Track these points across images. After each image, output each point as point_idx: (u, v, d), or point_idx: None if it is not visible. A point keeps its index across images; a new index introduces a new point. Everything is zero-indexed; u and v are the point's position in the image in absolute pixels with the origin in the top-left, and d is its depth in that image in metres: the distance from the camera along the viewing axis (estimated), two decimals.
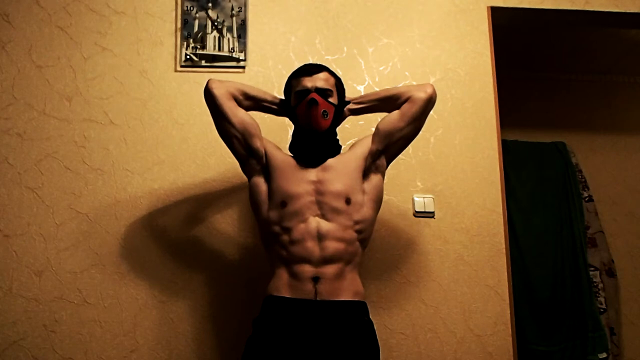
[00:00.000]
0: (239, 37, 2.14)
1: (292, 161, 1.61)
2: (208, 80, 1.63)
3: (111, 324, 1.85)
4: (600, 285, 2.88)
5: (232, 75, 2.09)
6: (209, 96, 1.62)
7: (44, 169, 1.98)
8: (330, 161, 1.60)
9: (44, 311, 1.85)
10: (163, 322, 1.87)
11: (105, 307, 1.86)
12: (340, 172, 1.57)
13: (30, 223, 1.92)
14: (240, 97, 1.65)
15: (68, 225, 1.93)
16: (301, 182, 1.55)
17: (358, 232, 1.55)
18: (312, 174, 1.57)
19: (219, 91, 1.60)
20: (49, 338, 1.83)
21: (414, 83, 2.14)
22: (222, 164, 2.00)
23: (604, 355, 2.73)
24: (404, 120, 1.62)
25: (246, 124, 1.62)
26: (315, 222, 1.51)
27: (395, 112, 1.64)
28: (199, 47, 2.12)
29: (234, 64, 2.12)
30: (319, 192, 1.54)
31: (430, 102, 1.64)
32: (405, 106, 1.63)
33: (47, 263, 1.89)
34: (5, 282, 1.86)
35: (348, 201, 1.54)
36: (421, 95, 1.62)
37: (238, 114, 1.62)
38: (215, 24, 2.15)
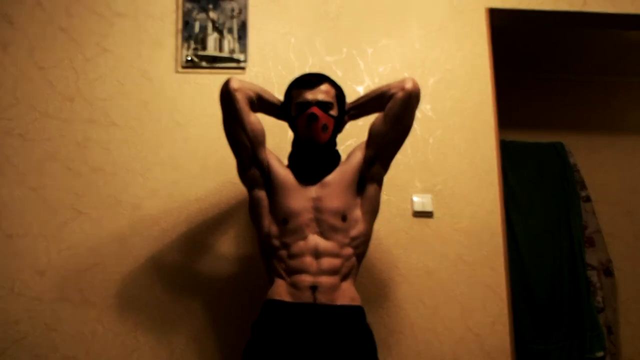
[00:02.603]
0: (239, 38, 2.16)
1: (292, 177, 1.60)
2: (229, 80, 1.55)
3: (113, 324, 1.86)
4: (598, 285, 2.89)
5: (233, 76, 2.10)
6: (229, 98, 1.54)
7: (46, 169, 1.98)
8: (328, 177, 1.59)
9: (45, 310, 1.86)
10: (164, 321, 1.88)
11: (107, 307, 1.88)
12: (337, 188, 1.57)
13: (32, 223, 1.93)
14: (255, 101, 1.61)
15: (70, 225, 1.94)
16: (301, 199, 1.56)
17: (355, 247, 1.57)
18: (312, 191, 1.57)
19: (240, 95, 1.54)
20: (51, 337, 1.84)
21: None
22: (223, 164, 2.01)
23: (602, 354, 2.75)
24: (388, 122, 1.58)
25: (257, 132, 1.59)
26: (314, 241, 1.52)
27: (380, 115, 1.60)
28: (199, 48, 2.13)
29: (234, 65, 2.13)
30: (318, 209, 1.55)
31: (410, 98, 1.56)
32: (387, 106, 1.58)
33: (49, 263, 1.90)
34: (7, 282, 1.87)
35: (344, 218, 1.55)
36: (399, 94, 1.55)
37: (252, 120, 1.58)
38: (216, 25, 2.16)
